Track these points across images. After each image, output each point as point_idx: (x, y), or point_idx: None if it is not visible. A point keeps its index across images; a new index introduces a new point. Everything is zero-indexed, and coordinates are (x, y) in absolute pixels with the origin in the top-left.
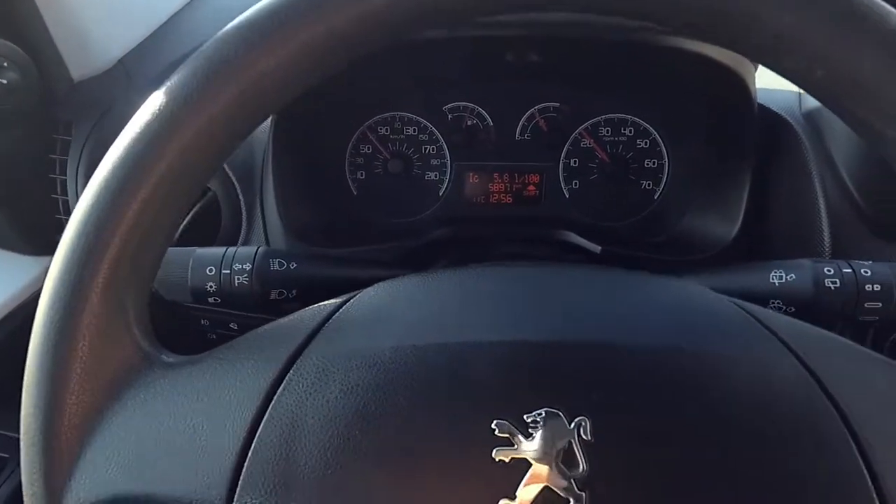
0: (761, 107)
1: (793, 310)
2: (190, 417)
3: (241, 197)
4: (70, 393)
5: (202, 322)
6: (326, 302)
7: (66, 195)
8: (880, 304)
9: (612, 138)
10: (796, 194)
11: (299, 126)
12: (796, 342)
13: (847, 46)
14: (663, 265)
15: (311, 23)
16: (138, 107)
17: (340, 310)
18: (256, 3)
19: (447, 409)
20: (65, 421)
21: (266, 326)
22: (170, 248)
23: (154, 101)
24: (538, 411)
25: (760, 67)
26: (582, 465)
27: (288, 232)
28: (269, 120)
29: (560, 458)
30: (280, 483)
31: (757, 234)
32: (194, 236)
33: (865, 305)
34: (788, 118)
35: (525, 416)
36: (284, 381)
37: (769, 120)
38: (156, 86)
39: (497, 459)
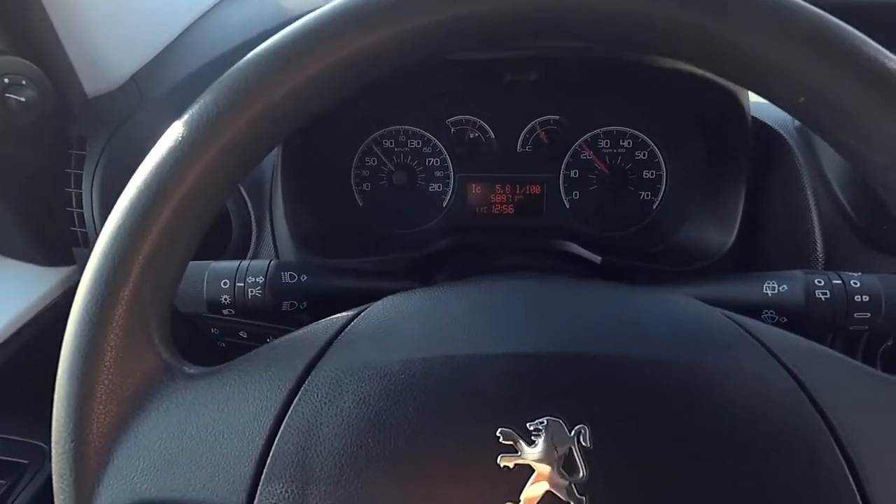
0: (755, 120)
1: (785, 320)
2: (211, 426)
3: (251, 210)
4: (98, 403)
5: (213, 331)
6: (338, 315)
7: (81, 208)
8: (869, 315)
9: (611, 150)
10: (790, 206)
11: (307, 141)
12: (786, 354)
13: (827, 74)
14: (661, 275)
15: (323, 54)
16: (151, 122)
17: (351, 323)
18: (263, 21)
19: (454, 419)
20: (93, 429)
21: (280, 340)
22: None
23: (176, 129)
24: (540, 419)
25: None
26: (582, 471)
27: (297, 243)
28: None
29: (561, 464)
30: (297, 488)
31: (752, 244)
32: (206, 248)
33: (855, 316)
34: (782, 131)
35: (528, 424)
36: (300, 392)
37: (763, 133)
38: (170, 105)
39: (502, 465)
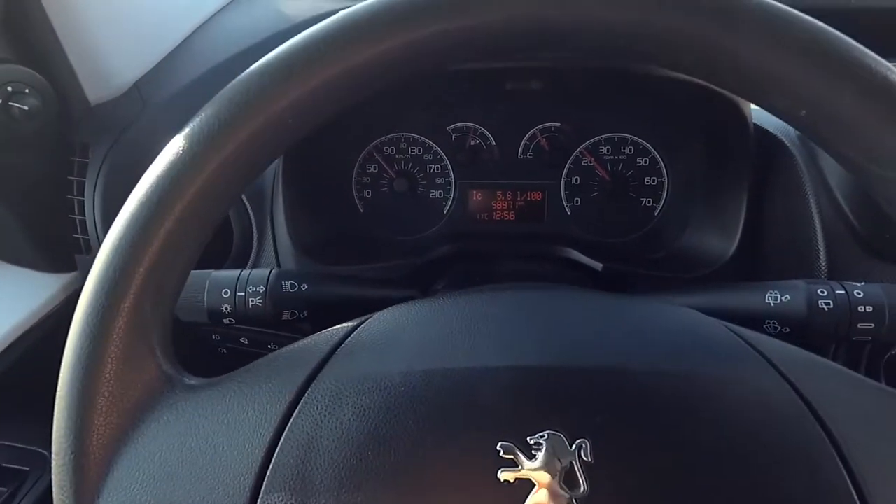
0: (757, 127)
1: (787, 330)
2: (211, 438)
3: (252, 217)
4: (98, 415)
5: (214, 337)
6: (338, 327)
7: (84, 215)
8: (873, 325)
9: (612, 157)
10: (792, 213)
11: (308, 148)
12: (787, 366)
13: (827, 87)
14: (662, 282)
15: (326, 65)
16: (153, 129)
17: (352, 335)
18: (265, 28)
19: (454, 432)
20: (93, 441)
21: (281, 351)
22: None
23: (178, 141)
24: (541, 433)
25: None
26: (583, 485)
27: (298, 250)
28: None
29: (562, 478)
30: (297, 501)
31: (754, 252)
32: (207, 256)
33: (858, 326)
34: (784, 139)
35: (528, 438)
36: (300, 404)
37: (765, 140)
38: (173, 112)
39: (502, 479)
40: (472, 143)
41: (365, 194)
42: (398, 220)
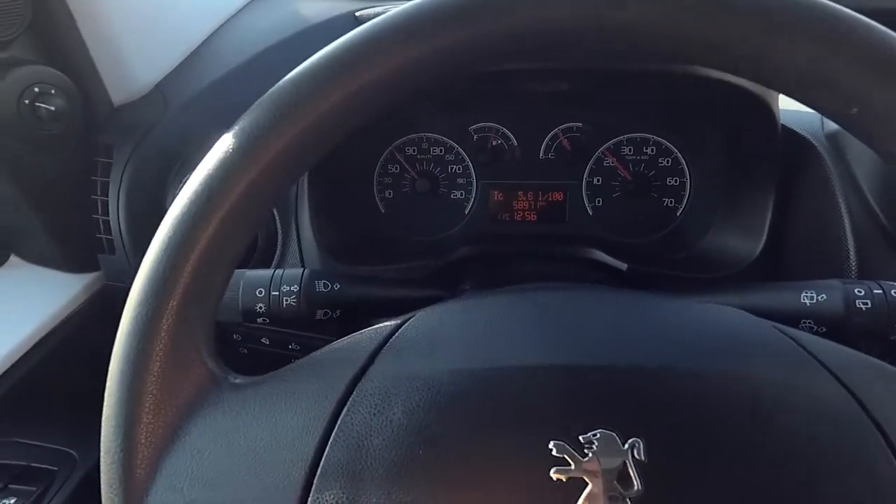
0: (784, 127)
1: (823, 330)
2: (260, 436)
3: (276, 218)
4: (146, 413)
5: (235, 336)
6: (382, 325)
7: (107, 215)
8: None
9: (634, 157)
10: (820, 214)
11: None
12: (840, 369)
13: (881, 85)
14: (689, 283)
15: (374, 65)
16: (175, 129)
17: (397, 332)
18: (285, 28)
19: (505, 431)
20: (142, 439)
21: (325, 350)
22: None
23: (227, 140)
24: (593, 432)
25: None
26: (636, 485)
27: (322, 251)
28: None
29: (615, 478)
30: (348, 499)
31: (781, 252)
32: None
33: None
34: (811, 139)
35: (580, 437)
36: (349, 403)
37: (792, 140)
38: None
39: (555, 478)
40: (494, 143)
41: (386, 195)
42: (419, 220)
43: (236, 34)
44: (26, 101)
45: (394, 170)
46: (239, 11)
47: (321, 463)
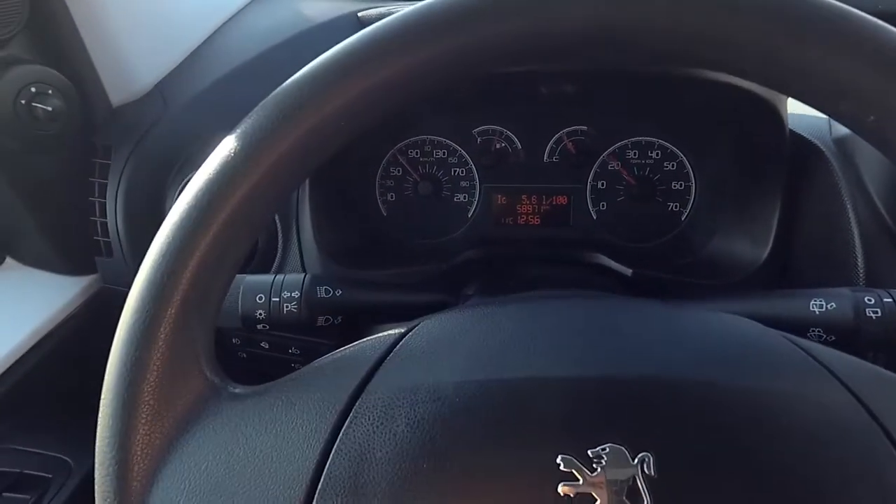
0: (791, 132)
1: (833, 338)
2: (260, 448)
3: (277, 221)
4: (143, 424)
5: (234, 341)
6: (386, 333)
7: (105, 217)
8: None
9: (639, 161)
10: (828, 219)
11: None
12: (853, 381)
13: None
14: (695, 289)
15: (380, 67)
16: (175, 131)
17: (401, 342)
18: (285, 28)
19: (512, 444)
20: (138, 451)
21: (327, 358)
22: None
23: (226, 146)
24: (602, 446)
25: None
26: (646, 500)
27: (323, 254)
28: None
29: (624, 493)
30: None
31: (787, 258)
32: None
33: None
34: (819, 143)
35: (589, 451)
36: (351, 414)
37: (799, 145)
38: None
39: (562, 493)
40: (498, 146)
41: (389, 197)
42: (422, 223)
43: (238, 34)
44: (23, 102)
45: (396, 172)
46: (240, 11)
47: (322, 476)
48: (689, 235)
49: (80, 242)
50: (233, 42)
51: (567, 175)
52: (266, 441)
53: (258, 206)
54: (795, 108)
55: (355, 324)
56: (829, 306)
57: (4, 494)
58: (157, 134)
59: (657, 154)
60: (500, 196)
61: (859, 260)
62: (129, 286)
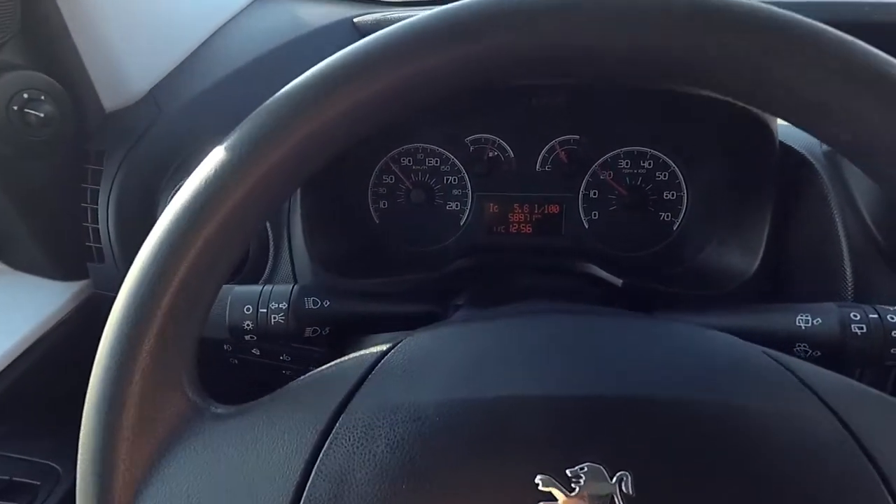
0: (782, 144)
1: (818, 354)
2: (241, 469)
3: (268, 228)
4: (124, 446)
5: (225, 347)
6: (367, 352)
7: (97, 223)
8: None
9: (631, 170)
10: (817, 232)
11: None
12: (830, 396)
13: (873, 110)
14: (684, 300)
15: (373, 78)
16: (168, 136)
17: (382, 361)
18: (279, 34)
19: (491, 464)
20: (119, 474)
21: (308, 377)
22: None
23: (217, 155)
24: (580, 465)
25: None
26: None
27: (314, 262)
28: None
29: None
30: None
31: (777, 270)
32: None
33: (892, 351)
34: (809, 156)
35: (567, 471)
36: (331, 435)
37: (790, 157)
38: (188, 119)
39: None
40: (490, 154)
41: (381, 205)
42: (414, 231)
43: (232, 39)
44: (15, 108)
45: (388, 180)
46: (235, 16)
47: (303, 497)
48: (681, 245)
49: (71, 248)
50: (227, 47)
51: (559, 184)
52: (247, 462)
53: (249, 215)
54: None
55: (346, 335)
56: (815, 321)
57: None
58: (149, 139)
59: (649, 164)
60: (492, 204)
61: (848, 272)
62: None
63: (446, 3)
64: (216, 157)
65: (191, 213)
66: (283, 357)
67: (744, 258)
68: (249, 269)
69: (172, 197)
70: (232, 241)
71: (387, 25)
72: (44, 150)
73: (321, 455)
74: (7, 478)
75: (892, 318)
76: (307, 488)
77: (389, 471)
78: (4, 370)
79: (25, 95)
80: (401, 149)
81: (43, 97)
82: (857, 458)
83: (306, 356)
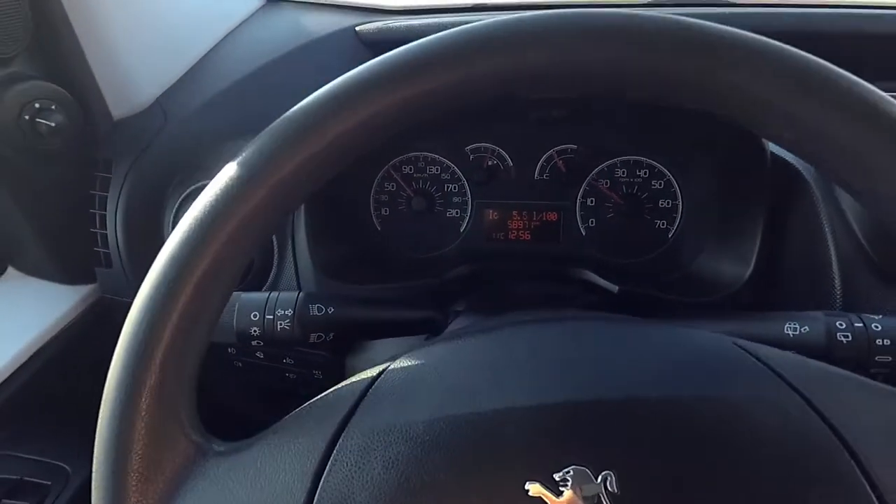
0: (773, 155)
1: None
2: (248, 502)
3: (273, 238)
4: (133, 492)
5: (229, 350)
6: (360, 377)
7: (105, 229)
8: (890, 358)
9: (627, 179)
10: (807, 241)
11: None
12: (803, 383)
13: (832, 121)
14: (678, 306)
15: (371, 103)
16: (175, 144)
17: (374, 385)
18: (285, 43)
19: (481, 476)
20: None
21: (306, 407)
22: None
23: (225, 175)
24: (566, 469)
25: None
26: None
27: (318, 269)
28: None
29: None
30: None
31: (769, 278)
32: None
33: (876, 359)
34: (800, 167)
35: (554, 475)
36: (330, 462)
37: (781, 168)
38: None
39: None
40: (490, 163)
41: (382, 212)
42: (415, 238)
43: (238, 48)
44: (26, 117)
45: (390, 188)
46: (240, 25)
47: None
48: (676, 252)
49: (80, 253)
50: (233, 56)
51: (557, 192)
52: (252, 496)
53: (257, 230)
54: None
55: (350, 340)
56: (802, 329)
57: (4, 500)
58: (156, 147)
59: (645, 173)
60: (491, 212)
61: (836, 281)
62: (127, 296)
63: (442, 10)
64: (225, 176)
65: (202, 228)
66: (287, 360)
67: (736, 267)
68: (255, 273)
69: (179, 203)
70: (238, 255)
71: (388, 34)
72: (54, 158)
73: (322, 481)
74: (17, 477)
75: (877, 328)
76: None
77: (387, 490)
78: (15, 372)
79: (37, 105)
80: (402, 157)
81: (54, 107)
82: (829, 441)
83: (309, 360)
